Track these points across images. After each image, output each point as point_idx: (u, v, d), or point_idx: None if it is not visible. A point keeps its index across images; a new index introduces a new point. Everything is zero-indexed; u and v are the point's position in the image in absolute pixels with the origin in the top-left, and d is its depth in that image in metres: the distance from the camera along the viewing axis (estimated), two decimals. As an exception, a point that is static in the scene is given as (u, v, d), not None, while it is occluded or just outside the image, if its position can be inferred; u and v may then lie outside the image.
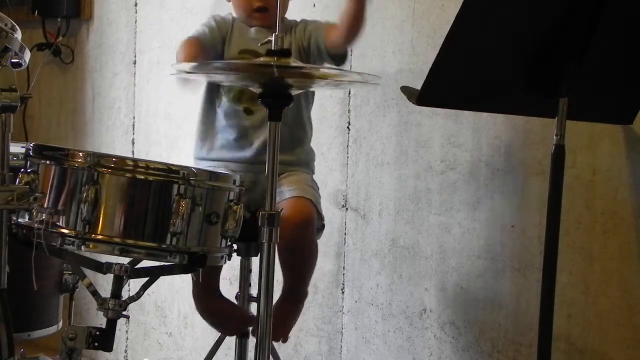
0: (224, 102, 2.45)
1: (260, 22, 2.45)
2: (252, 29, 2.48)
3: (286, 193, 2.34)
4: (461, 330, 2.62)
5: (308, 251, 2.36)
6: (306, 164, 2.52)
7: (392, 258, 2.75)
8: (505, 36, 1.90)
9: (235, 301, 2.49)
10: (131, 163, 2.00)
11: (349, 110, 2.82)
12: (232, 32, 2.48)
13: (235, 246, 2.16)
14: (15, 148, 2.08)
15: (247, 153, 2.44)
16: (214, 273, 2.39)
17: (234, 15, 2.53)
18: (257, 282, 1.94)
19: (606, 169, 2.35)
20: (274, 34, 1.87)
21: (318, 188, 2.47)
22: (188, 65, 2.16)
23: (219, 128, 2.47)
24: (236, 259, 2.34)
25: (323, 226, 2.44)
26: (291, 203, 2.30)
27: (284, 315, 2.36)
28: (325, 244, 2.83)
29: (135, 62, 3.41)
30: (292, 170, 2.43)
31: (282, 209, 1.94)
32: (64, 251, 2.02)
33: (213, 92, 2.47)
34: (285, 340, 2.41)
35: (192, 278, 2.37)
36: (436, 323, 2.67)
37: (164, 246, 1.98)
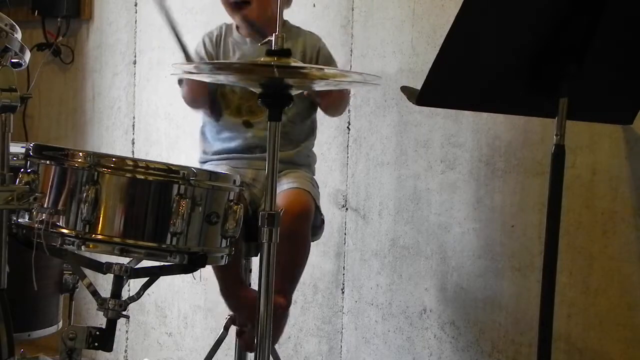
0: (224, 116, 2.47)
1: (241, 16, 2.44)
2: (248, 40, 2.49)
3: (285, 186, 2.36)
4: (461, 330, 2.62)
5: (302, 243, 2.35)
6: (307, 165, 2.53)
7: (392, 258, 2.75)
8: (505, 36, 1.90)
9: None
10: (131, 163, 2.00)
11: (349, 110, 2.82)
12: (224, 45, 2.50)
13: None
14: (15, 148, 2.08)
15: (248, 152, 2.46)
16: (236, 264, 2.35)
17: (226, 23, 2.55)
18: (257, 282, 1.94)
19: (606, 169, 2.35)
20: (274, 34, 1.87)
21: (318, 187, 2.48)
22: (189, 66, 2.17)
23: (221, 138, 2.51)
24: (236, 259, 2.34)
25: (323, 221, 2.45)
26: (289, 194, 2.32)
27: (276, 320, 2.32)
28: (325, 244, 2.83)
29: (135, 62, 3.41)
30: (293, 169, 2.45)
31: (282, 210, 1.93)
32: (64, 251, 2.01)
33: (213, 107, 2.49)
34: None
35: (216, 274, 2.35)
36: (436, 323, 2.67)
37: (164, 246, 1.97)
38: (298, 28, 2.53)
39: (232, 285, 2.38)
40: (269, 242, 1.89)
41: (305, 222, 2.33)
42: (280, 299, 2.28)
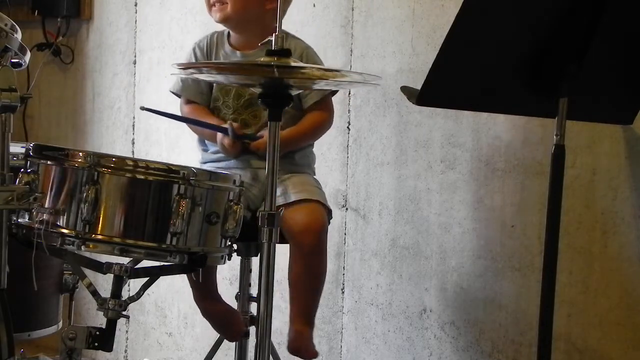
0: None
1: (219, 14, 2.43)
2: (238, 53, 2.49)
3: (293, 196, 2.34)
4: (461, 330, 2.62)
5: (323, 260, 2.36)
6: (307, 164, 2.53)
7: (392, 258, 2.75)
8: (505, 36, 1.90)
9: (235, 301, 2.49)
10: (131, 163, 2.00)
11: (349, 110, 2.82)
12: (215, 58, 2.51)
13: (235, 246, 2.17)
14: (15, 148, 2.08)
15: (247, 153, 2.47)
16: (210, 274, 2.39)
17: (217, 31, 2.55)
18: (257, 282, 1.94)
19: (606, 169, 2.35)
20: (274, 34, 1.87)
21: (321, 186, 2.48)
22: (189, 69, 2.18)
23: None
24: (236, 259, 2.34)
25: (331, 217, 2.46)
26: (305, 210, 2.32)
27: (304, 338, 2.34)
28: (325, 244, 2.83)
29: (135, 62, 3.41)
30: (294, 172, 2.44)
31: (281, 209, 1.93)
32: (64, 251, 2.02)
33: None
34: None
35: (190, 282, 2.37)
36: (436, 323, 2.67)
37: (164, 246, 1.98)
38: (287, 34, 2.52)
39: (200, 295, 2.41)
40: (268, 242, 1.89)
41: (324, 238, 2.35)
42: (301, 327, 2.33)
